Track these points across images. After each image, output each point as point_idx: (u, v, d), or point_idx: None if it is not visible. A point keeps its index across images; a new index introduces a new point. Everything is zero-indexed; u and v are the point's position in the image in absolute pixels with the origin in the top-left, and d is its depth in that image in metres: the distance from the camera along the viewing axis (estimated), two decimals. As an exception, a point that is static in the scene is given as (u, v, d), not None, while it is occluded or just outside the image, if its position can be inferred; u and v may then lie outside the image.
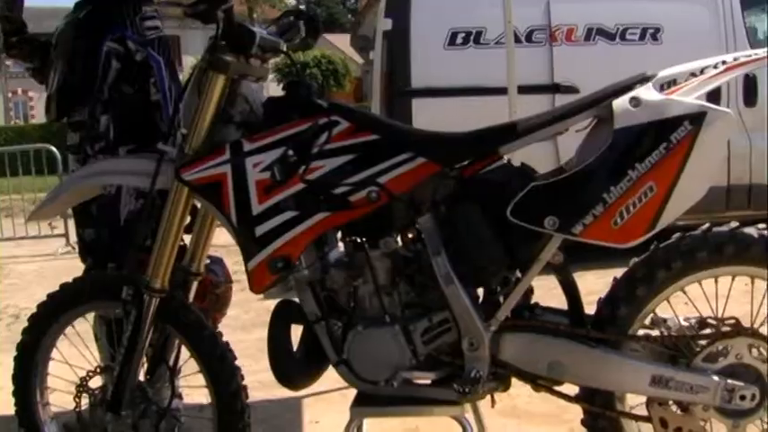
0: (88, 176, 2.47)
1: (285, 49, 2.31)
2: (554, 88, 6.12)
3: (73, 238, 7.08)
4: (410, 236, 2.19)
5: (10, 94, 40.24)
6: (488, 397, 2.24)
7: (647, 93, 2.00)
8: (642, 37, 6.24)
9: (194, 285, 2.53)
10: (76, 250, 3.23)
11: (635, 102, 1.98)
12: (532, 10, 6.19)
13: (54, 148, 9.67)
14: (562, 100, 5.91)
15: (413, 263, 2.17)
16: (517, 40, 5.80)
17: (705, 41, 5.98)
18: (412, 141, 2.12)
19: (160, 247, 2.27)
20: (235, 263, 2.51)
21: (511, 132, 2.10)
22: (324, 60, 29.33)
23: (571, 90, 5.85)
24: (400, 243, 2.20)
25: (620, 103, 1.99)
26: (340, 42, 35.56)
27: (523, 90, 4.57)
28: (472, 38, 6.19)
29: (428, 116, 5.87)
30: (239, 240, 2.14)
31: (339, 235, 2.26)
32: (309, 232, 2.10)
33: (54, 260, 8.37)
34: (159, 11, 3.04)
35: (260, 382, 3.20)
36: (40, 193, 10.30)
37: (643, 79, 2.03)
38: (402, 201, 2.11)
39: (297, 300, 2.24)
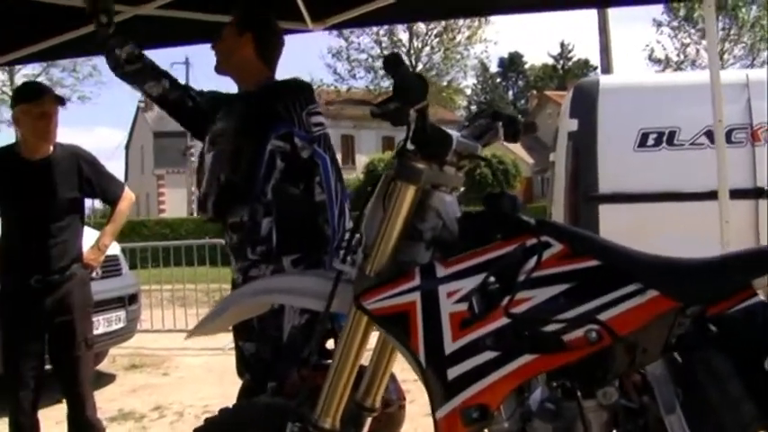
0: (257, 293, 2.21)
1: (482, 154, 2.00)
2: (757, 192, 5.53)
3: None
4: (635, 385, 1.77)
5: (193, 188, 42.43)
6: None
7: None
8: None
9: (368, 422, 2.19)
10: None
11: None
12: (731, 108, 5.64)
13: (229, 244, 9.78)
14: (768, 205, 5.38)
15: (638, 418, 1.74)
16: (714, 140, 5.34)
17: None
18: (641, 269, 1.72)
19: (333, 381, 1.95)
20: (402, 370, 2.17)
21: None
22: (494, 160, 29.19)
23: (778, 195, 5.27)
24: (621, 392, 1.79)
25: None
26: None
27: (722, 195, 4.07)
28: (665, 138, 5.71)
29: (617, 223, 5.42)
30: (428, 382, 1.77)
31: (542, 376, 1.87)
32: (513, 378, 1.71)
33: (222, 355, 8.28)
34: (326, 111, 2.86)
35: None
36: (213, 284, 10.47)
37: None
38: (628, 342, 1.70)
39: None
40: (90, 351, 3.88)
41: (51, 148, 3.83)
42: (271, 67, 3.05)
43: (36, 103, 3.70)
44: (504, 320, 1.70)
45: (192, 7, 3.92)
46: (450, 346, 1.72)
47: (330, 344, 2.57)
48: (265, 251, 2.79)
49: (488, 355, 1.70)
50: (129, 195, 4.11)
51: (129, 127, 50.30)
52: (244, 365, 2.93)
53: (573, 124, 5.83)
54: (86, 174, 3.86)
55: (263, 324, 2.74)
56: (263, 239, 2.78)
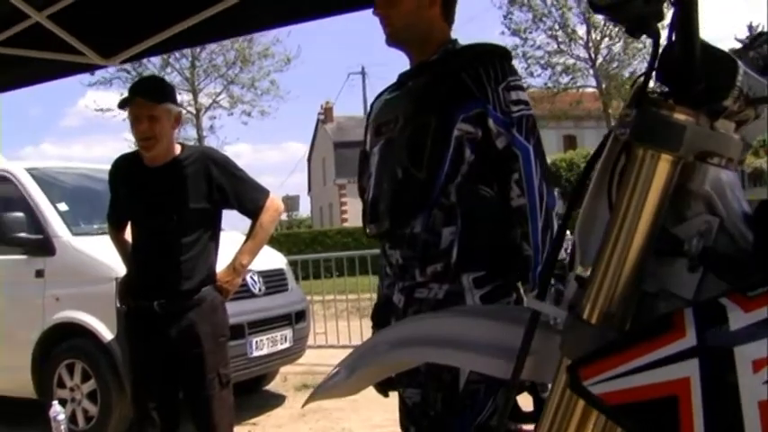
0: (399, 346, 1.41)
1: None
2: None
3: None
4: None
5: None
6: None
7: None
8: None
9: None
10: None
11: None
12: None
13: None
14: None
15: None
16: None
17: None
18: None
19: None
20: None
21: None
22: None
23: None
24: None
25: None
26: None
27: None
28: None
29: None
30: None
31: None
32: None
33: (401, 373, 7.70)
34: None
35: None
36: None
37: None
38: None
39: None
40: (226, 389, 3.25)
41: (178, 149, 3.26)
42: (451, 27, 2.33)
43: (130, 109, 3.17)
44: None
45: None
46: (764, 466, 0.87)
47: (524, 399, 1.79)
48: (440, 272, 2.07)
49: None
50: (274, 205, 3.39)
51: (311, 139, 51.33)
52: (407, 418, 2.24)
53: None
54: (217, 179, 3.21)
55: (434, 364, 2.01)
56: (441, 255, 2.06)
